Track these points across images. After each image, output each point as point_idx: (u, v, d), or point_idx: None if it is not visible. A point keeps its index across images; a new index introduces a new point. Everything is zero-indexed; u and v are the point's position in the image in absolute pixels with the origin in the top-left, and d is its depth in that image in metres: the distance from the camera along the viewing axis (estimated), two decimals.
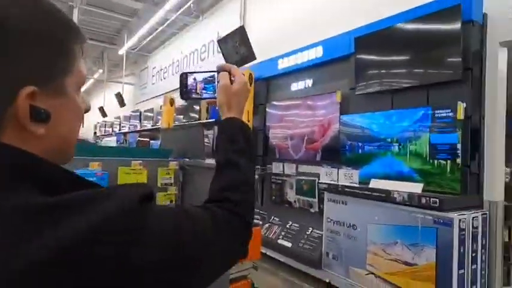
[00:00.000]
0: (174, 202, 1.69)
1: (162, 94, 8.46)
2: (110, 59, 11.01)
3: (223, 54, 3.56)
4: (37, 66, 0.44)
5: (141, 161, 1.55)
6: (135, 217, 0.41)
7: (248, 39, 3.17)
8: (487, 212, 2.46)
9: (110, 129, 11.20)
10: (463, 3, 2.40)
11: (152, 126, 8.31)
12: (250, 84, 4.28)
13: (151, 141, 8.31)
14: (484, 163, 2.51)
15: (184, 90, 0.79)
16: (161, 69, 8.73)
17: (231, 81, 0.74)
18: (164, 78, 8.56)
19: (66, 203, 0.39)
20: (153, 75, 9.26)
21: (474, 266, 2.35)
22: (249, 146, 0.69)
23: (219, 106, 0.74)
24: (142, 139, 8.45)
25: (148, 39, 8.19)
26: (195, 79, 0.79)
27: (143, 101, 9.77)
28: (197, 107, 6.43)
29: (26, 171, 0.42)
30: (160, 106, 8.49)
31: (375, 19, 3.06)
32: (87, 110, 0.55)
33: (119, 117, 10.78)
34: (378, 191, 2.64)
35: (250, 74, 4.31)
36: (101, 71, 11.79)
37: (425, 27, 2.62)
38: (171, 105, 4.54)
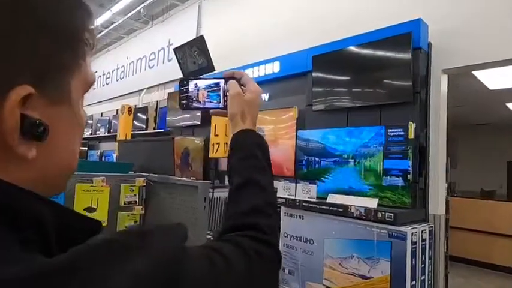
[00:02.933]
0: (138, 223, 1.52)
1: (105, 100, 7.95)
2: None
3: (179, 63, 3.43)
4: (35, 59, 0.32)
5: (103, 177, 1.37)
6: (172, 275, 0.33)
7: (208, 49, 3.10)
8: (433, 225, 2.65)
9: None
10: (413, 31, 2.61)
11: (91, 134, 7.72)
12: None
13: (88, 151, 7.74)
14: (429, 179, 2.72)
15: (184, 98, 0.70)
16: (103, 74, 8.19)
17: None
18: (107, 84, 8.05)
19: (83, 265, 0.28)
20: None
21: (423, 277, 2.50)
22: (268, 162, 0.62)
23: (230, 117, 0.66)
24: None
25: None
26: (196, 86, 0.71)
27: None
28: (144, 116, 6.13)
29: (5, 213, 0.30)
30: (101, 113, 7.97)
31: (333, 39, 3.19)
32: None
33: None
34: (335, 206, 2.71)
35: None
36: None
37: (379, 51, 2.79)
38: (129, 114, 4.23)
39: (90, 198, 1.35)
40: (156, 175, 1.56)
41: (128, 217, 1.51)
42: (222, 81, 0.70)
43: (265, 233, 0.51)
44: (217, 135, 2.53)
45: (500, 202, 6.18)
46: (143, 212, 1.52)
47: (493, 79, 3.73)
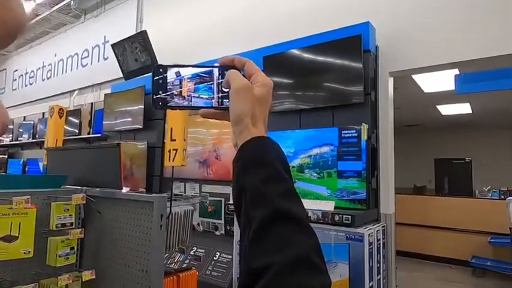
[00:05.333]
0: (76, 249, 1.23)
1: (28, 102, 7.08)
2: None
3: (118, 61, 3.11)
4: None
5: (27, 197, 1.06)
6: None
7: (151, 46, 2.83)
8: (385, 224, 2.70)
9: None
10: (363, 34, 2.64)
11: (12, 141, 6.82)
12: None
13: (9, 159, 6.85)
14: (380, 179, 2.77)
15: (160, 92, 0.51)
16: (26, 73, 7.30)
17: None
18: (31, 84, 7.18)
19: None
20: (14, 79, 7.68)
21: (379, 276, 2.52)
22: (292, 179, 0.46)
23: (236, 120, 0.49)
24: None
25: None
26: (179, 75, 0.52)
27: None
28: (76, 120, 5.55)
29: None
30: (24, 117, 7.08)
31: (284, 40, 3.13)
32: (3, 131, 0.26)
33: None
34: None
35: None
36: None
37: (331, 52, 2.78)
38: (61, 117, 3.66)
39: (9, 223, 1.03)
40: (98, 189, 1.28)
41: (62, 243, 1.18)
42: (215, 70, 0.53)
43: None
44: (174, 140, 2.23)
45: (431, 197, 6.67)
46: (82, 236, 1.23)
47: (429, 83, 3.99)
